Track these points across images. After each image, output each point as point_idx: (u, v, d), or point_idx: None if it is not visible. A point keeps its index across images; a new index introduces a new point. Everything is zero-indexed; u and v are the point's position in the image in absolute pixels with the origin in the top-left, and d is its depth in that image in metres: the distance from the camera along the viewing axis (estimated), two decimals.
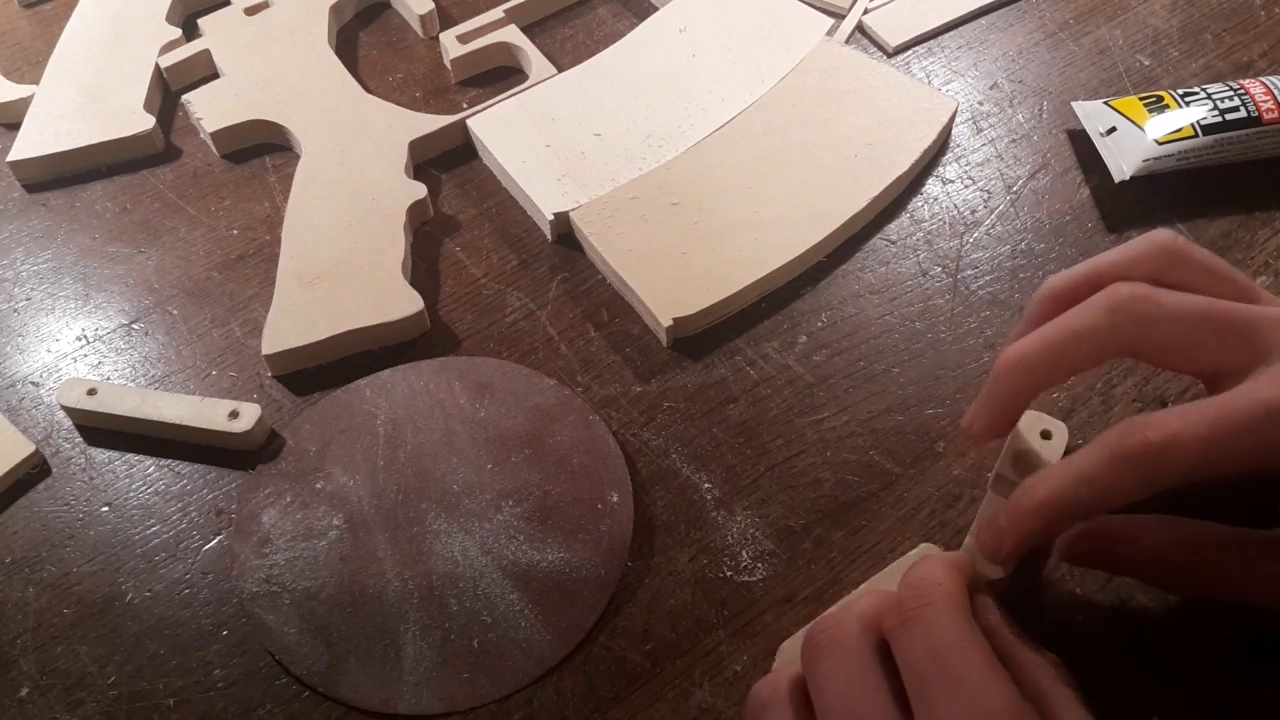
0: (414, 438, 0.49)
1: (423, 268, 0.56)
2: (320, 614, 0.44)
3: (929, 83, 0.62)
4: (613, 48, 0.63)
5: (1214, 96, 0.56)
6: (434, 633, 0.43)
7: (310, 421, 0.50)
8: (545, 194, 0.56)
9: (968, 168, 0.58)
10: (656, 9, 0.66)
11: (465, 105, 0.63)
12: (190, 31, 0.67)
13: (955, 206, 0.57)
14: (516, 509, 0.47)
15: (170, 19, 0.66)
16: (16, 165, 0.60)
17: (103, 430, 0.50)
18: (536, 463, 0.48)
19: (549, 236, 0.56)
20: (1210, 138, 0.55)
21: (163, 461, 0.49)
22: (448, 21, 0.67)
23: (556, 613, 0.44)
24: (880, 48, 0.64)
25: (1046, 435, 0.44)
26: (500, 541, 0.46)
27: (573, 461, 0.48)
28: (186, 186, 0.60)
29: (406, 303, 0.52)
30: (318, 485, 0.48)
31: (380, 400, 0.50)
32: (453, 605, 0.44)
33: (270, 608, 0.44)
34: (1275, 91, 0.55)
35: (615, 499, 0.47)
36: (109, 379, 0.52)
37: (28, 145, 0.60)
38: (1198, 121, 0.55)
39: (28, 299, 0.56)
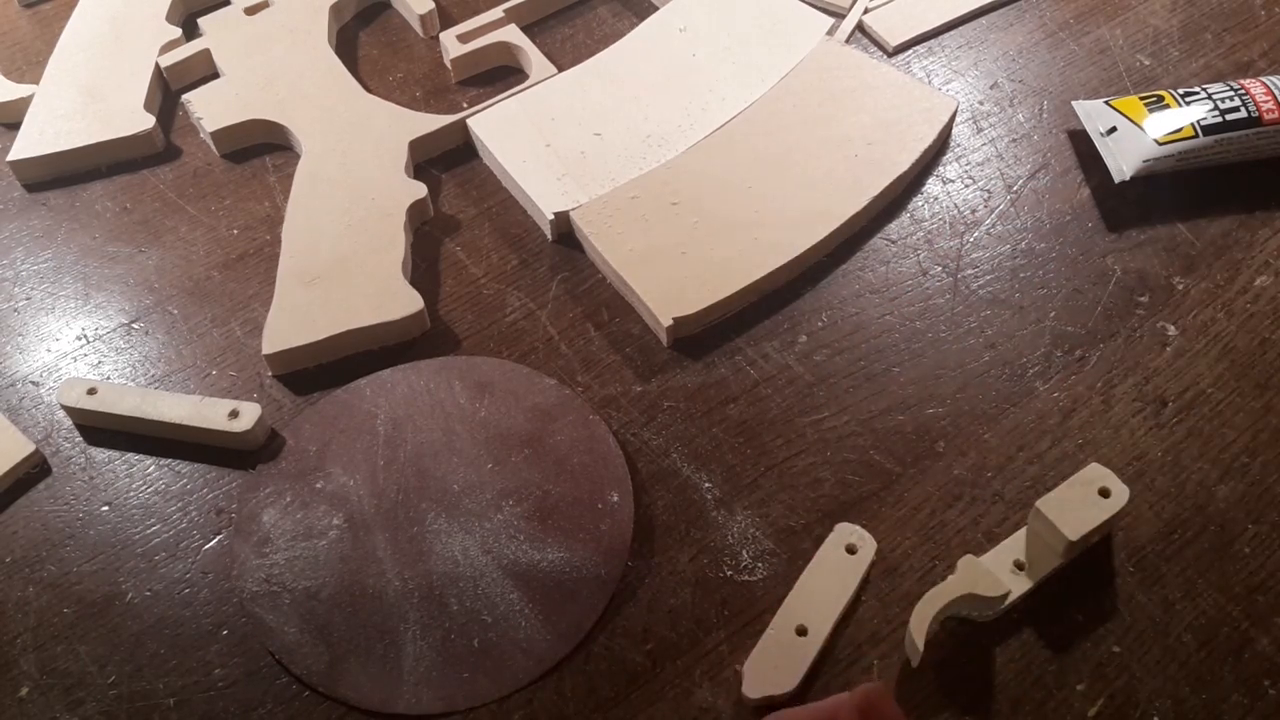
0: (414, 437, 0.49)
1: (423, 267, 0.56)
2: (320, 614, 0.44)
3: (929, 82, 0.62)
4: (613, 48, 0.63)
5: (1214, 96, 0.56)
6: (434, 632, 0.43)
7: (310, 421, 0.50)
8: (545, 194, 0.56)
9: (968, 167, 0.58)
10: (656, 8, 0.66)
11: (465, 105, 0.63)
12: (190, 31, 0.67)
13: (955, 206, 0.57)
14: (517, 509, 0.47)
15: (170, 19, 0.66)
16: (16, 165, 0.60)
17: (103, 430, 0.50)
18: (536, 462, 0.48)
19: (549, 236, 0.56)
20: (1210, 138, 0.55)
21: (163, 461, 0.49)
22: (448, 21, 0.67)
23: (557, 612, 0.44)
24: (880, 47, 0.64)
25: (1105, 493, 0.42)
26: (500, 541, 0.46)
27: (573, 461, 0.48)
28: (186, 186, 0.60)
29: (406, 302, 0.52)
30: (318, 485, 0.48)
31: (380, 400, 0.50)
32: (453, 605, 0.44)
33: (270, 607, 0.44)
34: (1276, 92, 0.55)
35: (615, 499, 0.47)
36: (109, 378, 0.52)
37: (28, 145, 0.60)
38: (1198, 121, 0.55)
39: (28, 298, 0.56)
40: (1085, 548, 0.44)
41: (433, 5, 0.66)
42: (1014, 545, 0.44)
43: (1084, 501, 0.42)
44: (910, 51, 0.64)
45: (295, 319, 0.52)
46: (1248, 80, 0.56)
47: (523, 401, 0.50)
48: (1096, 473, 0.43)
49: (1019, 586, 0.42)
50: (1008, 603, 0.42)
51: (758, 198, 0.55)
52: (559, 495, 0.47)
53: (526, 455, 0.48)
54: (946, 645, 0.42)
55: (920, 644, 0.40)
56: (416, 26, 0.67)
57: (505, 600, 0.44)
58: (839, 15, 0.65)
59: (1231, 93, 0.56)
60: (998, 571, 0.42)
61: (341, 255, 0.54)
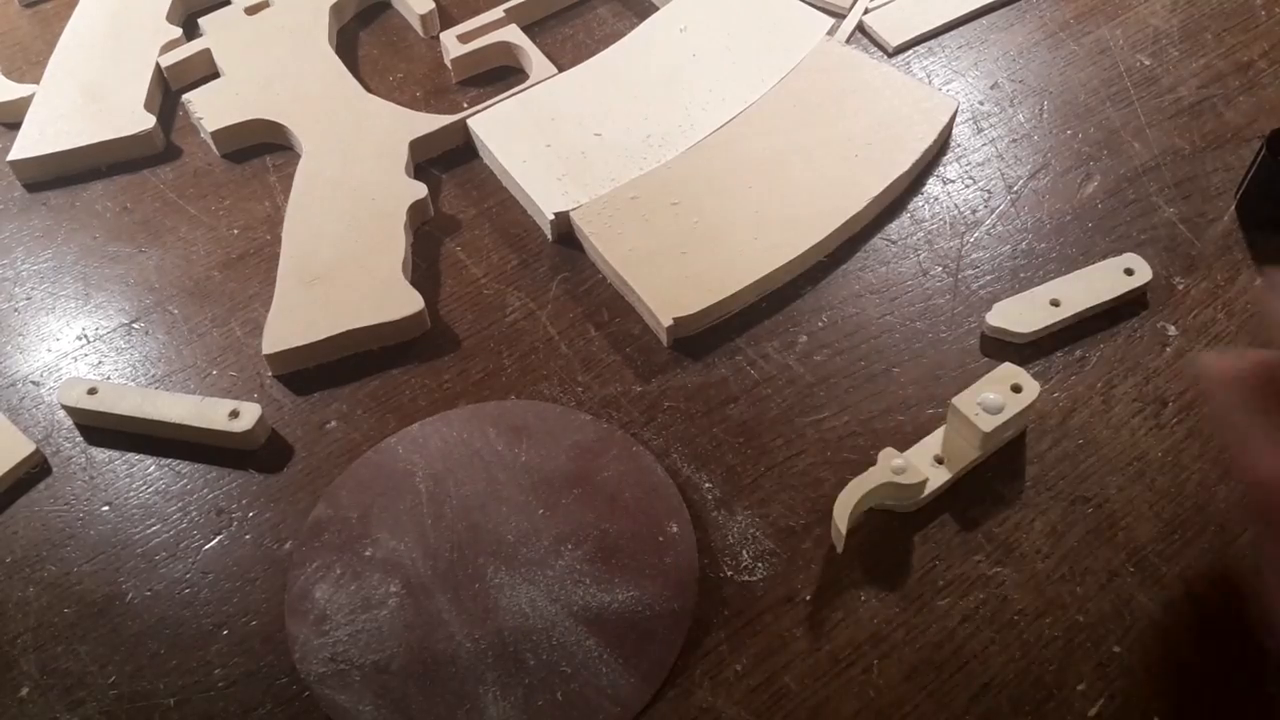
0: (457, 491, 0.47)
1: (423, 267, 0.56)
2: (394, 687, 0.42)
3: (929, 82, 0.62)
4: (613, 48, 0.63)
5: None
6: (515, 690, 0.42)
7: (346, 488, 0.48)
8: (546, 194, 0.56)
9: (968, 167, 0.58)
10: (656, 9, 0.66)
11: (465, 105, 0.63)
12: (190, 31, 0.67)
13: (956, 206, 0.57)
14: (576, 552, 0.45)
15: (170, 18, 0.66)
16: (17, 165, 0.60)
17: (103, 430, 0.50)
18: (588, 502, 0.46)
19: (549, 236, 0.56)
20: None
21: (163, 461, 0.49)
22: (448, 21, 0.67)
23: (636, 653, 0.42)
24: (881, 47, 0.64)
25: (1016, 389, 0.46)
26: (566, 587, 0.44)
27: (625, 496, 0.46)
28: (187, 186, 0.60)
29: (407, 302, 0.52)
30: (366, 553, 0.46)
31: (415, 456, 0.48)
32: (529, 659, 0.42)
33: (340, 687, 0.42)
34: None
35: (675, 529, 0.45)
36: (109, 378, 0.52)
37: (28, 145, 0.60)
38: None
39: (28, 298, 0.56)
40: (1000, 444, 0.47)
41: (433, 5, 0.66)
42: (934, 442, 0.46)
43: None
44: (910, 51, 0.64)
45: (295, 319, 0.52)
46: None
47: (562, 441, 0.48)
48: (1009, 371, 0.46)
49: (938, 478, 0.45)
50: (927, 492, 0.45)
51: (758, 198, 0.55)
52: (617, 533, 0.45)
53: (577, 495, 0.47)
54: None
55: (844, 530, 0.42)
56: (417, 26, 0.67)
57: (582, 648, 0.42)
58: (839, 15, 0.65)
59: None
60: (919, 464, 0.45)
61: (341, 255, 0.54)
